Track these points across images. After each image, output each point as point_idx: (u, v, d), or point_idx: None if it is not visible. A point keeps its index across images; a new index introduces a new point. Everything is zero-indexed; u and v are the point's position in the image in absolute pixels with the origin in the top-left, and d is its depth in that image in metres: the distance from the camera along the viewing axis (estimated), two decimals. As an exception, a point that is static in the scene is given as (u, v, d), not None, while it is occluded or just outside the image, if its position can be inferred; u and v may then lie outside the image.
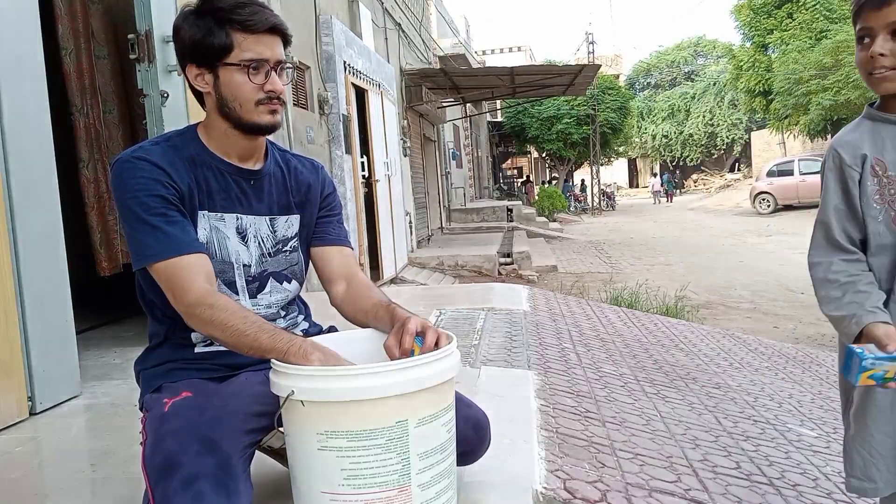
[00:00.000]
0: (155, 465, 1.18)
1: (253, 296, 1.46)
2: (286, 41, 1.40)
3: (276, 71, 1.36)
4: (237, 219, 1.44)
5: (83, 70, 3.76)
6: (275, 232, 1.50)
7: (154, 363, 1.44)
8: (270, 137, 1.50)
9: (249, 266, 1.45)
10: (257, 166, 1.48)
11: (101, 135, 3.90)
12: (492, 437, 1.55)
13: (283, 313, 1.52)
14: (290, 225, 1.53)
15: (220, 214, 1.42)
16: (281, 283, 1.51)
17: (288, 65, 1.40)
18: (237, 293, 1.44)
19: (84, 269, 4.32)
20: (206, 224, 1.40)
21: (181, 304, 1.29)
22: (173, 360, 1.42)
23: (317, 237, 1.57)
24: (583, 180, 31.30)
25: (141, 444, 1.29)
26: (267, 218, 1.48)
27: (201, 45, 1.34)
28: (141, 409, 1.42)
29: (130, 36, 3.09)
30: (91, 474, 1.85)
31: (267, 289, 1.48)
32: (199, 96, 1.43)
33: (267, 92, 1.35)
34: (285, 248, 1.52)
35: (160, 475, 1.16)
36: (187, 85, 1.45)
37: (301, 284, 1.59)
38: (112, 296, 4.33)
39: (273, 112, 1.38)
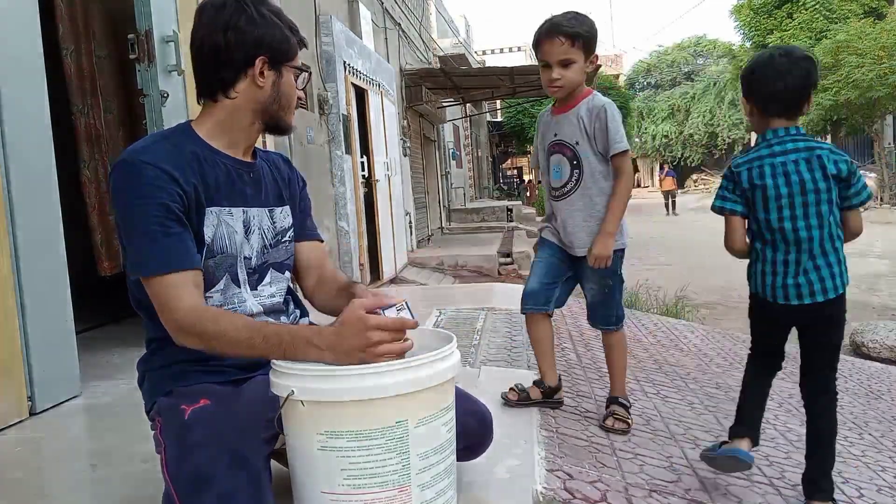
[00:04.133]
0: (184, 479, 1.18)
1: (254, 287, 1.48)
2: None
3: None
4: (244, 212, 1.46)
5: (84, 70, 3.76)
6: (274, 223, 1.53)
7: (161, 363, 1.43)
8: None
9: (250, 258, 1.47)
10: (252, 159, 1.52)
11: (101, 135, 3.90)
12: (493, 436, 1.56)
13: (285, 307, 1.55)
14: (285, 215, 1.56)
15: (228, 209, 1.43)
16: (283, 273, 1.55)
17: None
18: (239, 286, 1.45)
19: (84, 269, 4.32)
20: (215, 219, 1.40)
21: (168, 321, 1.31)
22: (181, 361, 1.40)
23: (295, 232, 1.60)
24: None
25: (158, 451, 1.29)
26: (267, 209, 1.51)
27: (281, 44, 1.43)
28: (149, 412, 1.42)
29: (130, 36, 3.09)
30: (91, 474, 1.85)
31: (267, 279, 1.50)
32: (226, 88, 1.41)
33: (298, 97, 1.48)
34: (284, 239, 1.55)
35: (192, 489, 1.16)
36: (186, 84, 1.47)
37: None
38: (112, 296, 4.33)
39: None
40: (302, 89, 1.49)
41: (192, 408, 1.30)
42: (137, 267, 1.32)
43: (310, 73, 1.53)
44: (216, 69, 1.40)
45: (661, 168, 29.37)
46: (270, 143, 4.29)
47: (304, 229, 1.61)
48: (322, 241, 1.67)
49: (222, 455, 1.18)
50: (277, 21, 1.42)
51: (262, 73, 1.40)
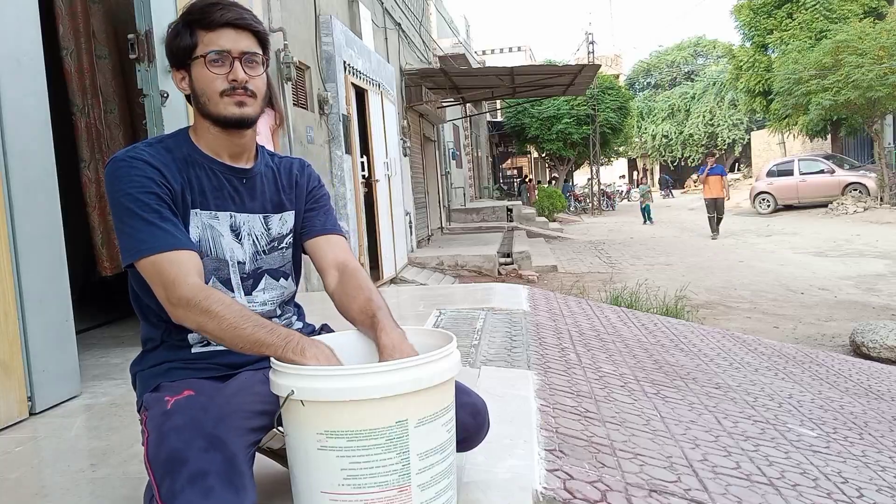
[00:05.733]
0: (160, 461, 1.18)
1: (248, 293, 1.48)
2: (259, 37, 1.43)
3: (240, 62, 1.38)
4: (231, 217, 1.46)
5: (84, 70, 3.76)
6: (269, 229, 1.52)
7: (151, 364, 1.45)
8: (262, 140, 1.52)
9: (244, 263, 1.47)
10: (248, 165, 1.50)
11: (101, 135, 3.90)
12: (491, 433, 1.56)
13: (279, 312, 1.54)
14: (284, 222, 1.54)
15: (213, 213, 1.44)
16: (277, 280, 1.53)
17: (255, 57, 1.40)
18: (232, 290, 1.45)
19: (84, 269, 4.33)
20: (199, 223, 1.42)
21: (173, 296, 1.28)
22: (171, 361, 1.43)
23: (304, 231, 1.58)
24: (627, 180, 31.39)
25: (143, 443, 1.29)
26: (261, 216, 1.50)
27: (173, 47, 1.41)
28: (139, 410, 1.43)
29: (130, 36, 3.09)
30: (91, 474, 1.85)
31: (261, 285, 1.50)
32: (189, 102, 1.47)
33: (230, 82, 1.38)
34: (281, 246, 1.54)
35: (166, 470, 1.16)
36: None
37: (297, 282, 1.60)
38: (112, 296, 4.33)
39: (240, 104, 1.39)
40: (229, 68, 1.37)
41: (174, 398, 1.31)
42: (136, 248, 1.31)
43: (238, 57, 1.37)
44: None
45: (702, 163, 17.91)
46: (270, 144, 4.29)
47: (312, 227, 1.57)
48: (340, 235, 1.60)
49: (197, 438, 1.18)
50: (173, 25, 1.41)
51: (183, 82, 1.42)
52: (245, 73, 1.38)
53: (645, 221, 19.67)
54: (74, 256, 2.74)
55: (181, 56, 1.40)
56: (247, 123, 1.42)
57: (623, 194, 34.87)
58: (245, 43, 1.39)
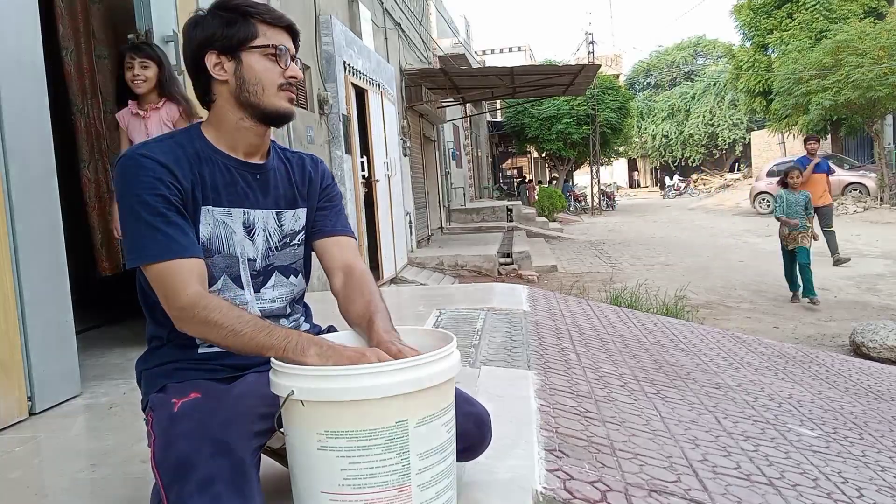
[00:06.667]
0: (168, 467, 1.19)
1: (257, 290, 1.47)
2: (296, 45, 1.49)
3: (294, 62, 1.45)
4: (244, 213, 1.45)
5: (84, 70, 3.76)
6: (282, 226, 1.51)
7: (157, 363, 1.44)
8: (272, 136, 1.52)
9: (255, 260, 1.47)
10: (261, 161, 1.50)
11: (101, 135, 3.90)
12: (493, 436, 1.56)
13: (288, 310, 1.53)
14: (296, 218, 1.54)
15: (227, 209, 1.43)
16: (287, 277, 1.53)
17: (300, 62, 1.49)
18: (242, 287, 1.45)
19: (84, 269, 4.32)
20: (211, 219, 1.41)
21: (173, 307, 1.30)
22: (177, 361, 1.42)
23: (315, 230, 1.58)
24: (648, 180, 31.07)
25: (149, 444, 1.30)
26: (273, 212, 1.50)
27: (226, 32, 1.40)
28: (144, 410, 1.43)
29: (130, 36, 3.09)
30: (91, 474, 1.85)
31: (271, 282, 1.49)
32: (206, 93, 1.44)
33: (288, 78, 1.41)
34: (293, 242, 1.54)
35: (174, 476, 1.17)
36: (190, 83, 1.47)
37: (307, 279, 1.60)
38: (112, 296, 4.33)
39: (291, 100, 1.43)
40: (286, 65, 1.41)
41: (181, 401, 1.31)
42: (139, 254, 1.32)
43: (283, 49, 1.41)
44: (194, 81, 1.45)
45: (810, 151, 8.81)
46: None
47: (323, 227, 1.57)
48: (350, 237, 1.61)
49: (206, 443, 1.19)
50: (223, 13, 1.41)
51: (220, 67, 1.40)
52: (300, 73, 1.45)
53: (798, 291, 7.34)
54: (74, 256, 2.74)
55: (234, 42, 1.39)
56: (290, 118, 1.46)
57: (679, 191, 33.52)
58: (293, 48, 1.46)
